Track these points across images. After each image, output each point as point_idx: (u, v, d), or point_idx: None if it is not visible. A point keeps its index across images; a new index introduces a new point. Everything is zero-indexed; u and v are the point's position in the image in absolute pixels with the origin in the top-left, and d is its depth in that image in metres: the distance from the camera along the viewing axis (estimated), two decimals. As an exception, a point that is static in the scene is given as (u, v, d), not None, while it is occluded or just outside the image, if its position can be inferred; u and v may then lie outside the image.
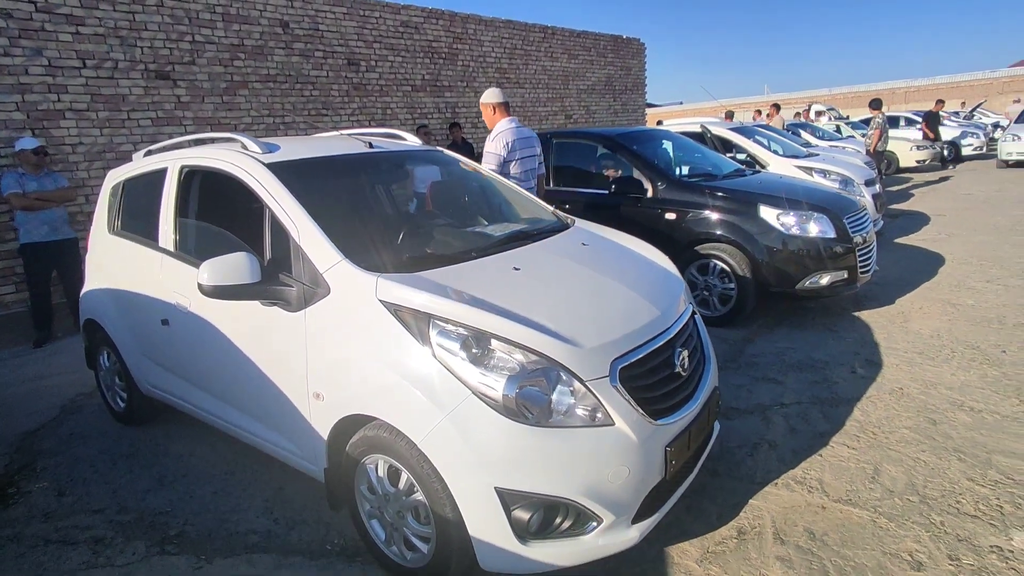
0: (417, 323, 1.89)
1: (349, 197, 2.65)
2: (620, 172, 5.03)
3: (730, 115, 11.77)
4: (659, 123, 9.80)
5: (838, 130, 14.39)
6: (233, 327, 2.47)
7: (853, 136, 13.62)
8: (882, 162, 9.45)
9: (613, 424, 1.83)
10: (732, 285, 4.36)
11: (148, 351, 3.09)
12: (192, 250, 2.78)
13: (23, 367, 4.64)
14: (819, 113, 17.77)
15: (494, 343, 1.84)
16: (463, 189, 3.49)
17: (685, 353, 2.16)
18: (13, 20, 5.40)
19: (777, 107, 11.79)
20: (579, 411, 1.82)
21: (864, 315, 4.54)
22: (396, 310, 1.93)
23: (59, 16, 5.65)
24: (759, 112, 12.07)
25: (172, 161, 2.94)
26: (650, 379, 2.00)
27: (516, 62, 10.71)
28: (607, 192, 4.84)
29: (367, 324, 1.98)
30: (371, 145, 2.92)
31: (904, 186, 12.00)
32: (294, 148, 2.72)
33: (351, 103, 8.13)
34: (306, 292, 2.15)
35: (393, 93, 8.68)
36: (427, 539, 1.95)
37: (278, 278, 2.23)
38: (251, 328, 2.39)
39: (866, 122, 16.14)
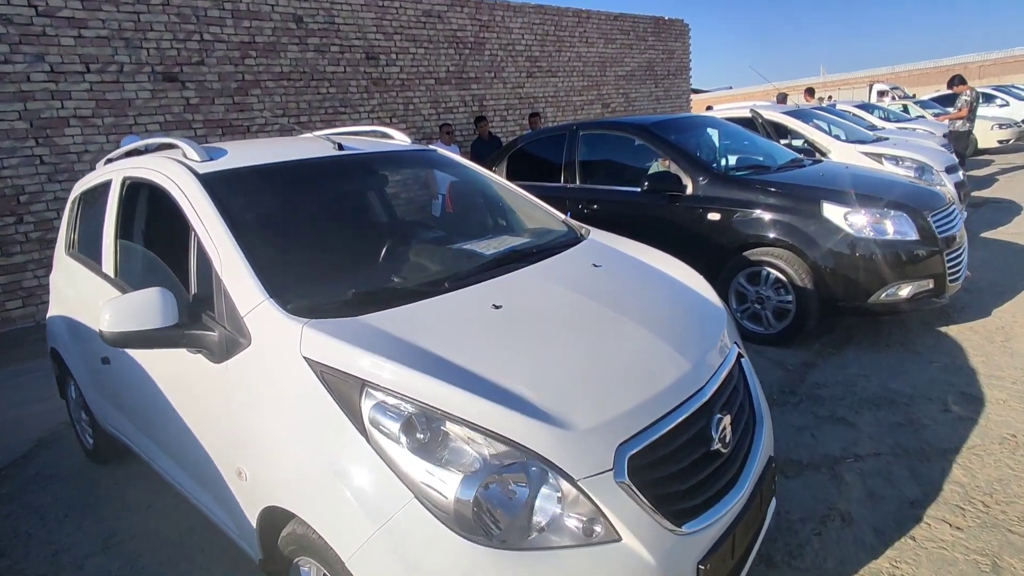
0: (347, 391, 1.39)
1: (299, 213, 2.17)
2: (669, 164, 4.36)
3: (783, 98, 10.74)
4: (708, 108, 9.01)
5: (905, 109, 13.10)
6: (162, 374, 2.04)
7: (923, 116, 12.37)
8: (966, 145, 8.35)
9: (619, 539, 1.28)
10: (789, 298, 3.68)
11: (99, 387, 2.72)
12: (131, 278, 2.36)
13: (20, 388, 4.41)
14: (881, 93, 16.35)
15: (448, 425, 1.31)
16: (472, 192, 2.99)
17: (727, 420, 1.57)
18: (14, 26, 5.20)
19: (811, 91, 10.94)
20: (569, 523, 1.27)
21: (952, 331, 3.78)
22: (322, 372, 1.43)
23: (61, 20, 5.43)
24: (810, 94, 11.00)
25: (116, 172, 2.54)
26: (675, 466, 1.43)
27: (548, 49, 10.09)
28: (639, 190, 4.21)
29: (287, 389, 1.49)
30: (340, 147, 2.42)
31: (986, 170, 10.75)
32: (242, 154, 2.25)
33: (371, 99, 7.73)
34: (228, 339, 1.68)
35: (416, 87, 8.23)
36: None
37: (201, 319, 1.77)
38: (178, 377, 1.95)
39: (939, 100, 14.76)
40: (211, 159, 2.16)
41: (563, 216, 2.62)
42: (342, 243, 2.14)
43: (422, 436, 1.30)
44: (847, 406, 2.99)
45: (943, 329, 3.82)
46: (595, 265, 2.07)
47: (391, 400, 1.34)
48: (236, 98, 6.58)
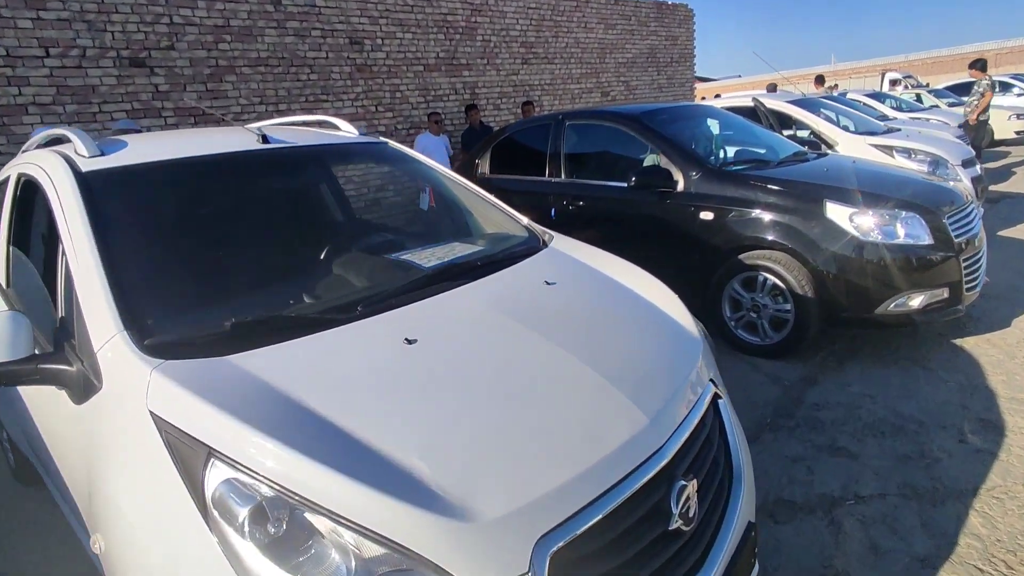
0: (192, 461, 1.07)
1: (197, 221, 1.85)
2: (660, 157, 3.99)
3: (772, 88, 10.37)
4: (716, 97, 8.63)
5: (918, 99, 12.61)
6: (36, 407, 1.74)
7: (937, 106, 11.89)
8: (983, 137, 7.93)
9: (534, 668, 0.96)
10: (788, 306, 3.34)
11: (3, 405, 2.43)
12: (20, 291, 2.05)
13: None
14: (894, 82, 15.84)
15: (310, 515, 1.00)
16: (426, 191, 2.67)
17: (692, 487, 1.25)
18: (-35, 6, 4.88)
19: (821, 79, 10.59)
20: (466, 648, 0.96)
21: (969, 344, 3.43)
22: (167, 433, 1.12)
23: (16, 0, 5.10)
24: (819, 82, 10.61)
25: (14, 168, 2.23)
26: (619, 556, 1.11)
27: (544, 34, 9.67)
28: (626, 185, 3.86)
29: (133, 451, 1.18)
30: (265, 139, 2.10)
31: (1002, 162, 10.29)
32: (144, 148, 1.94)
33: (355, 87, 7.36)
34: (84, 378, 1.37)
35: (403, 74, 7.86)
36: None
37: (64, 350, 1.47)
38: (49, 415, 1.64)
39: (954, 89, 14.23)
40: (102, 154, 1.84)
41: (526, 220, 2.29)
42: (245, 257, 1.81)
43: (274, 530, 0.99)
44: (849, 433, 2.66)
45: (958, 342, 3.47)
46: (548, 283, 1.74)
47: (243, 477, 1.03)
48: (209, 85, 6.24)
